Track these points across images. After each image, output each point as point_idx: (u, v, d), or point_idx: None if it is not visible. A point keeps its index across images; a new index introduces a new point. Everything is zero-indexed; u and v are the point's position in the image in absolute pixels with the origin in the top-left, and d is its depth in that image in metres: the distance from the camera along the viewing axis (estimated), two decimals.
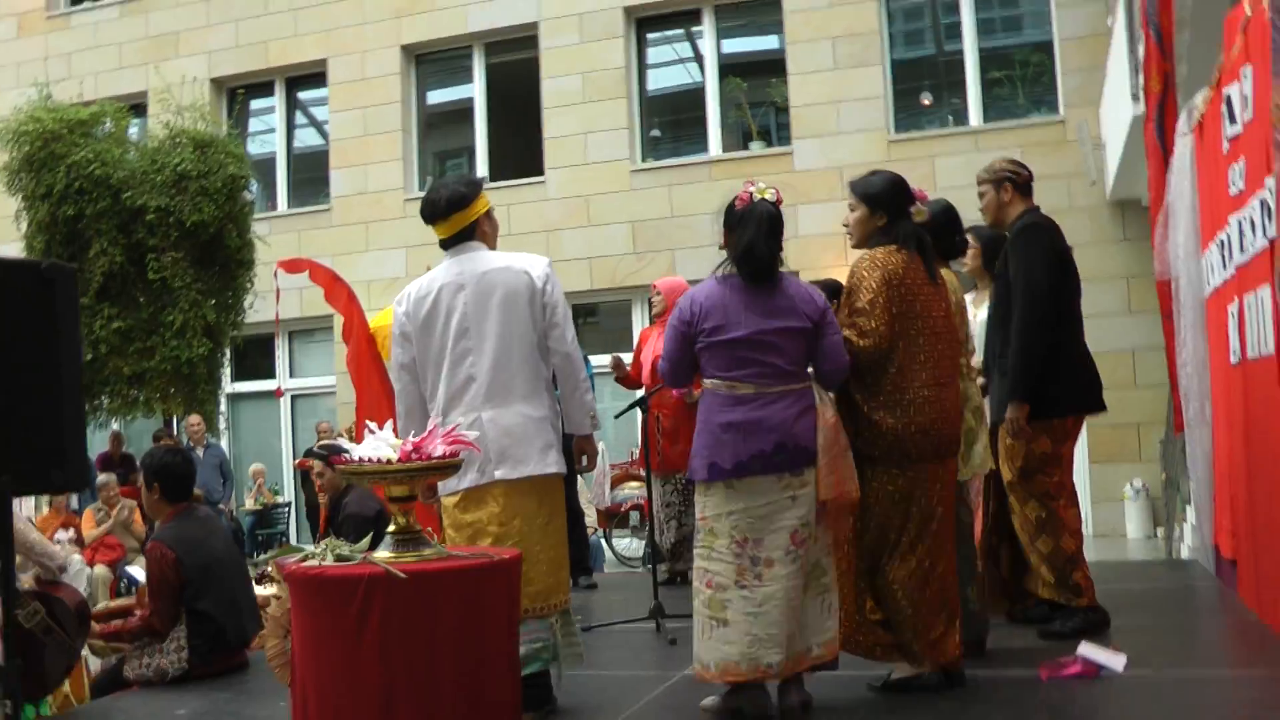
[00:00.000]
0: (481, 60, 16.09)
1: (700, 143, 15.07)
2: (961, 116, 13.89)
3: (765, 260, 4.02)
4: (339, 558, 3.54)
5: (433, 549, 3.57)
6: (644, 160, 15.05)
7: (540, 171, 15.28)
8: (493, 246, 4.46)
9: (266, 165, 17.22)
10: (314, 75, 16.85)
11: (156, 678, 5.13)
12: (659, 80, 15.64)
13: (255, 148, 17.25)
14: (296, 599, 3.50)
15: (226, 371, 15.07)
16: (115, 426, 13.73)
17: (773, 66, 14.64)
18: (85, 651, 6.20)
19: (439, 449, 3.56)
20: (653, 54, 15.50)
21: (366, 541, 3.67)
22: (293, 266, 9.75)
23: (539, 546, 4.19)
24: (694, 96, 15.17)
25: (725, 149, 14.86)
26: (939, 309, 4.24)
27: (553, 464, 4.27)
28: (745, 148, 14.92)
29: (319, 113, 17.16)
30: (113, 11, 17.82)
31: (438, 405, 4.28)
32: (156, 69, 16.23)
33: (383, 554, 3.50)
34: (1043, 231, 5.06)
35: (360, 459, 3.53)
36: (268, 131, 17.53)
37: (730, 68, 15.10)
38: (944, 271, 4.61)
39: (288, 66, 16.88)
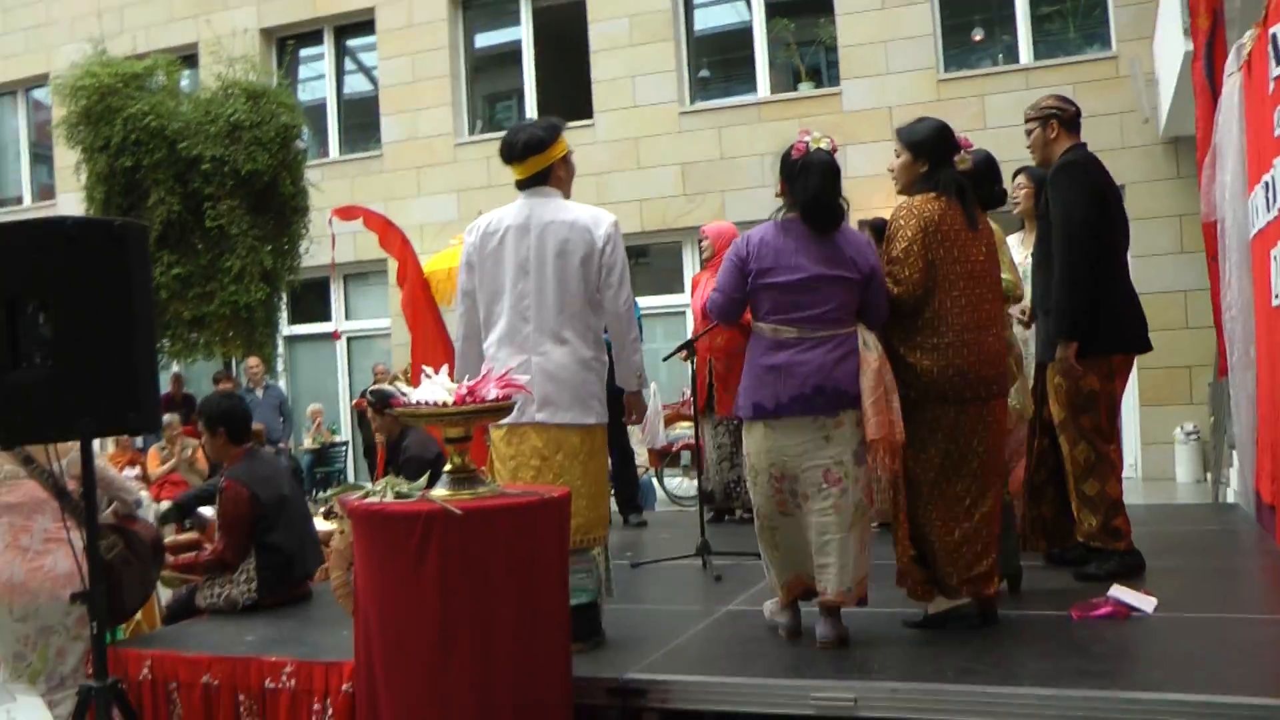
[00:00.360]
0: (528, 3, 16.10)
1: (749, 84, 15.04)
2: (1012, 54, 13.75)
3: (832, 209, 4.18)
4: (399, 495, 3.72)
5: (487, 487, 3.75)
6: (692, 102, 15.05)
7: (589, 115, 15.32)
8: (567, 191, 4.58)
9: (318, 113, 17.42)
10: (362, 24, 16.95)
11: (227, 606, 5.40)
12: (706, 21, 15.58)
13: (306, 96, 17.46)
14: (359, 534, 3.70)
15: (284, 315, 15.40)
16: (176, 369, 14.09)
17: (820, 5, 14.55)
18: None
19: (493, 392, 3.73)
20: None
21: (425, 479, 3.85)
22: (347, 214, 9.94)
23: (580, 481, 4.35)
24: (741, 37, 15.12)
25: (774, 90, 14.82)
26: (978, 253, 4.32)
27: (592, 415, 4.43)
28: (794, 89, 14.87)
29: (368, 59, 17.26)
30: None
31: (492, 339, 4.46)
32: (207, 21, 16.42)
33: (440, 492, 3.68)
34: (1079, 168, 5.04)
35: (418, 402, 3.71)
36: (318, 78, 17.67)
37: (777, 7, 15.03)
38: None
39: (336, 15, 17.01)
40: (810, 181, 4.16)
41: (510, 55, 16.44)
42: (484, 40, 16.91)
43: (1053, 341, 5.01)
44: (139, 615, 6.23)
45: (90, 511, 3.79)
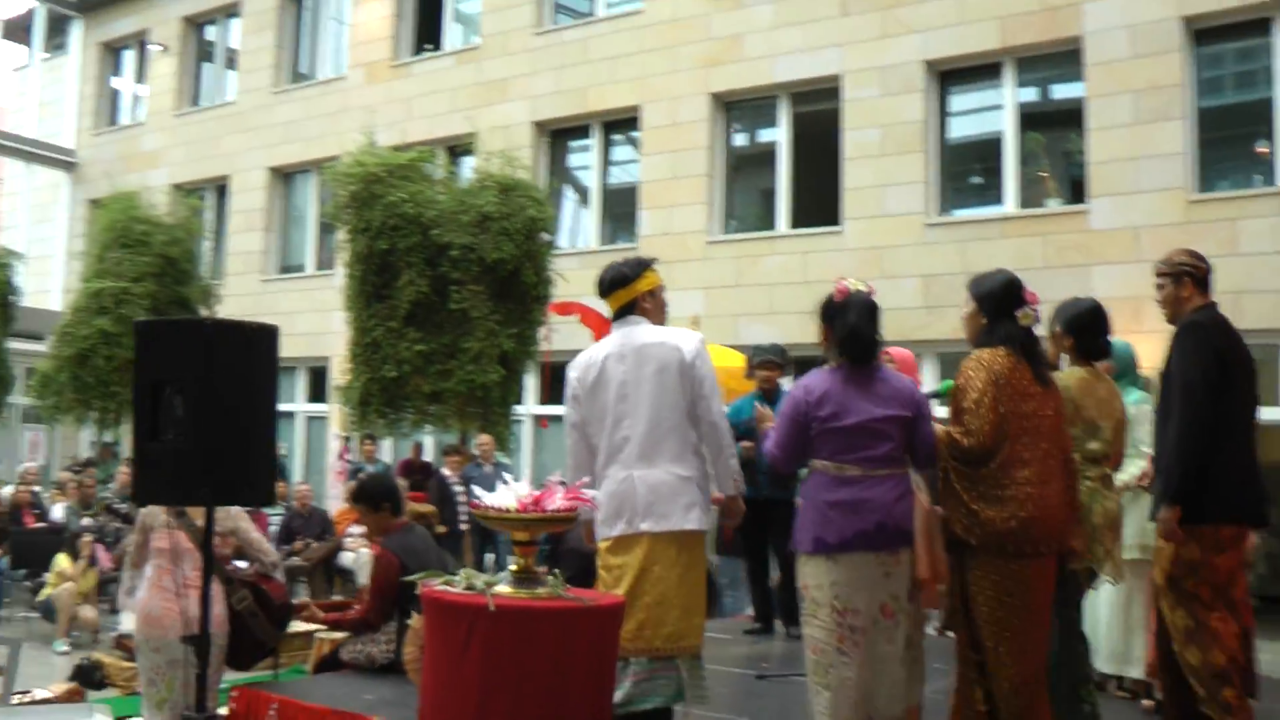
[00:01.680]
0: (787, 109, 16.45)
1: (995, 198, 14.88)
2: (1270, 176, 13.07)
3: (868, 341, 4.36)
4: (469, 587, 4.03)
5: (546, 589, 4.00)
6: (938, 214, 15.00)
7: (837, 221, 15.49)
8: (657, 321, 4.91)
9: (580, 203, 18.32)
10: (628, 120, 17.72)
11: (366, 662, 5.88)
12: (957, 133, 15.55)
13: (570, 186, 18.45)
14: (425, 617, 4.03)
15: (531, 394, 16.18)
16: (419, 439, 14.98)
17: (1072, 119, 14.28)
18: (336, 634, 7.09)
19: (557, 503, 4.01)
20: (954, 102, 15.43)
21: (498, 576, 4.14)
22: (564, 309, 10.47)
23: (675, 593, 4.59)
24: (991, 150, 14.97)
25: (1021, 205, 14.61)
26: (1046, 409, 4.36)
27: (693, 521, 4.66)
28: (1041, 204, 14.62)
29: (632, 153, 17.99)
30: (449, 60, 19.46)
31: (600, 461, 4.77)
32: (468, 116, 17.76)
33: (501, 588, 3.96)
34: (1203, 330, 4.94)
35: (488, 505, 4.02)
36: (583, 169, 18.56)
37: (1030, 120, 14.85)
38: (1086, 371, 4.72)
39: (604, 111, 17.82)
40: (849, 317, 4.33)
41: (766, 157, 16.83)
42: (742, 140, 17.39)
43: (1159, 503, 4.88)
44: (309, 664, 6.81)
45: (207, 565, 4.29)
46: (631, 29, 17.64)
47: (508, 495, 4.01)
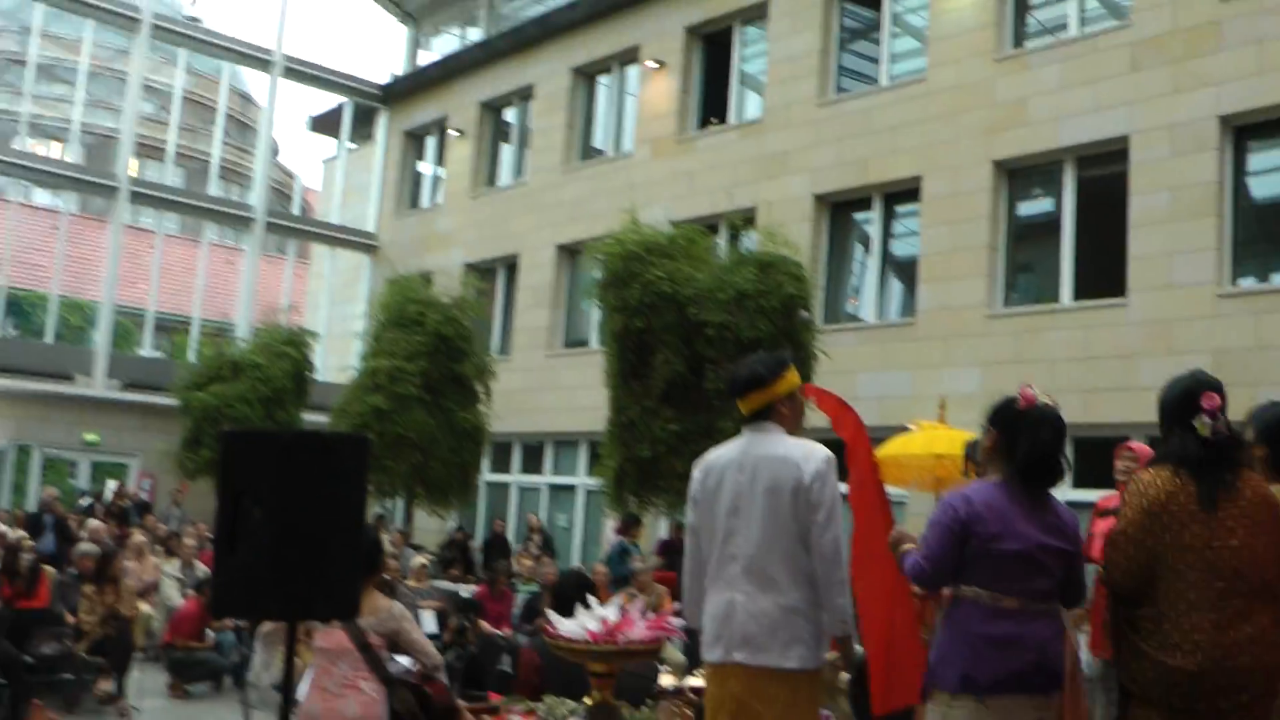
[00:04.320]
0: (1072, 174, 15.58)
1: None
2: None
3: (1057, 467, 3.92)
4: (549, 715, 3.86)
5: None
6: (1232, 284, 13.75)
7: (1122, 293, 14.48)
8: (792, 428, 4.59)
9: (858, 277, 17.93)
10: (909, 191, 17.22)
11: None
12: (1257, 194, 14.21)
13: (849, 259, 18.10)
14: None
15: None
16: (682, 519, 14.91)
17: None
18: None
19: (637, 633, 3.77)
20: (1253, 161, 14.14)
21: (580, 707, 3.95)
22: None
23: None
24: None
25: None
26: (1228, 538, 3.71)
27: (794, 659, 4.28)
28: None
29: (911, 226, 17.46)
30: (732, 135, 19.56)
31: (708, 576, 4.48)
32: (753, 190, 17.56)
33: None
34: None
35: (559, 634, 3.83)
36: (863, 241, 18.16)
37: None
38: None
39: (884, 183, 17.43)
40: (1042, 435, 3.89)
41: (1048, 226, 15.96)
42: (1024, 210, 16.55)
43: None
44: None
45: (288, 681, 4.21)
46: (914, 97, 17.20)
47: (582, 623, 3.81)
